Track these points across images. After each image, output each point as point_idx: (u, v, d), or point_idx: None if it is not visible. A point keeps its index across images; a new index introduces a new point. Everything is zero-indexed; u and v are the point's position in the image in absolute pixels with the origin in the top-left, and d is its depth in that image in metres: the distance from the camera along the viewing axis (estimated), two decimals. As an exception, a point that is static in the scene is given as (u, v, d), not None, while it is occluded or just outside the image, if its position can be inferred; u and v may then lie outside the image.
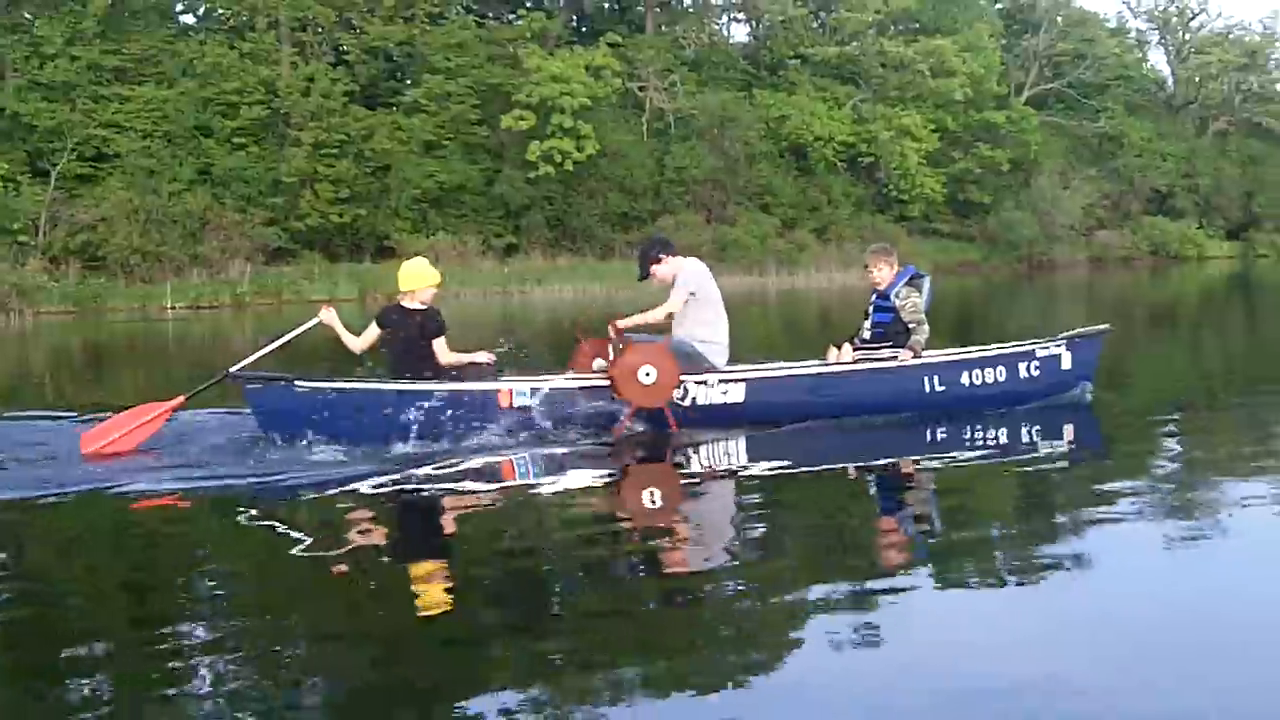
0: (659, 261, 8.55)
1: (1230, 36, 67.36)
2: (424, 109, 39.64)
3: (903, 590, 4.50)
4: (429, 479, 6.99)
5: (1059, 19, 62.03)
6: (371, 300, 32.98)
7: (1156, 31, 69.72)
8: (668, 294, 8.45)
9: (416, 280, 8.24)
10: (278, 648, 4.04)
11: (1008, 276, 45.33)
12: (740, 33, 56.77)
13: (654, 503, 6.61)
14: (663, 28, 49.34)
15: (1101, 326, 9.67)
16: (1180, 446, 7.84)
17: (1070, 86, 61.26)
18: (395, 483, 6.87)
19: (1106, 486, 6.30)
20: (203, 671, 3.74)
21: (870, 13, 50.78)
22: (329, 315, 8.37)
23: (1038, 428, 8.41)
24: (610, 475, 7.34)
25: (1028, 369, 9.20)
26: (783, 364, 8.96)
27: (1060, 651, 3.84)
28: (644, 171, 41.98)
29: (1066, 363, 9.30)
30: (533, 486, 6.94)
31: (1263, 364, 13.39)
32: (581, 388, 8.16)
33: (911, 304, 8.78)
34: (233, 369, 8.29)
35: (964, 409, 8.77)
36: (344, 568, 5.10)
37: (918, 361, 8.74)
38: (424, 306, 8.28)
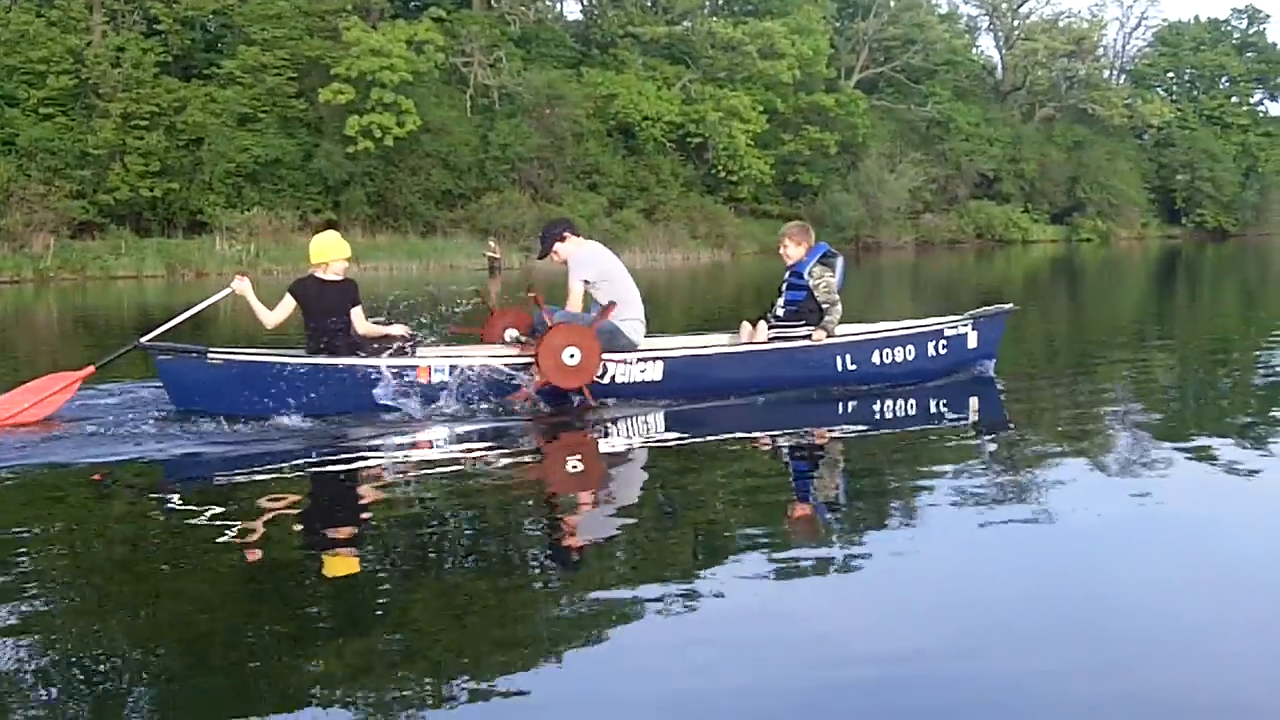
0: (562, 239, 8.82)
1: (1058, 24, 71.22)
2: (239, 81, 40.20)
3: (769, 567, 4.62)
4: (343, 454, 7.09)
5: (891, 3, 64.88)
6: (181, 277, 33.63)
7: (986, 17, 73.36)
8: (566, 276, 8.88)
9: (330, 252, 8.34)
10: (129, 626, 4.11)
11: None
12: (573, 10, 58.36)
13: (558, 479, 6.77)
14: (492, 3, 50.42)
15: (1006, 306, 10.12)
16: (1065, 424, 8.02)
17: (900, 71, 64.17)
18: (306, 457, 6.96)
19: (1003, 460, 6.77)
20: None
21: (701, -8, 52.76)
22: (242, 285, 8.42)
23: (945, 402, 8.82)
24: (524, 452, 7.45)
25: (935, 347, 9.60)
26: (699, 342, 9.42)
27: (905, 631, 3.93)
28: (468, 149, 43.12)
29: (973, 341, 9.76)
30: (447, 463, 6.99)
31: (1088, 339, 14.26)
32: (501, 365, 8.30)
33: (825, 283, 9.10)
34: (142, 339, 8.21)
35: (875, 385, 9.11)
36: (236, 542, 5.14)
37: (831, 341, 9.09)
38: (339, 278, 8.37)
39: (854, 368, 9.15)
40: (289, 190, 40.39)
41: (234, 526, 5.35)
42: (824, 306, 9.10)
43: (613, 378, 8.43)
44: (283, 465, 6.79)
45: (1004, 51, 72.82)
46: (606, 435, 7.86)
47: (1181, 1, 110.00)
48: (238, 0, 41.35)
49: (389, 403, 8.03)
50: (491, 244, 36.18)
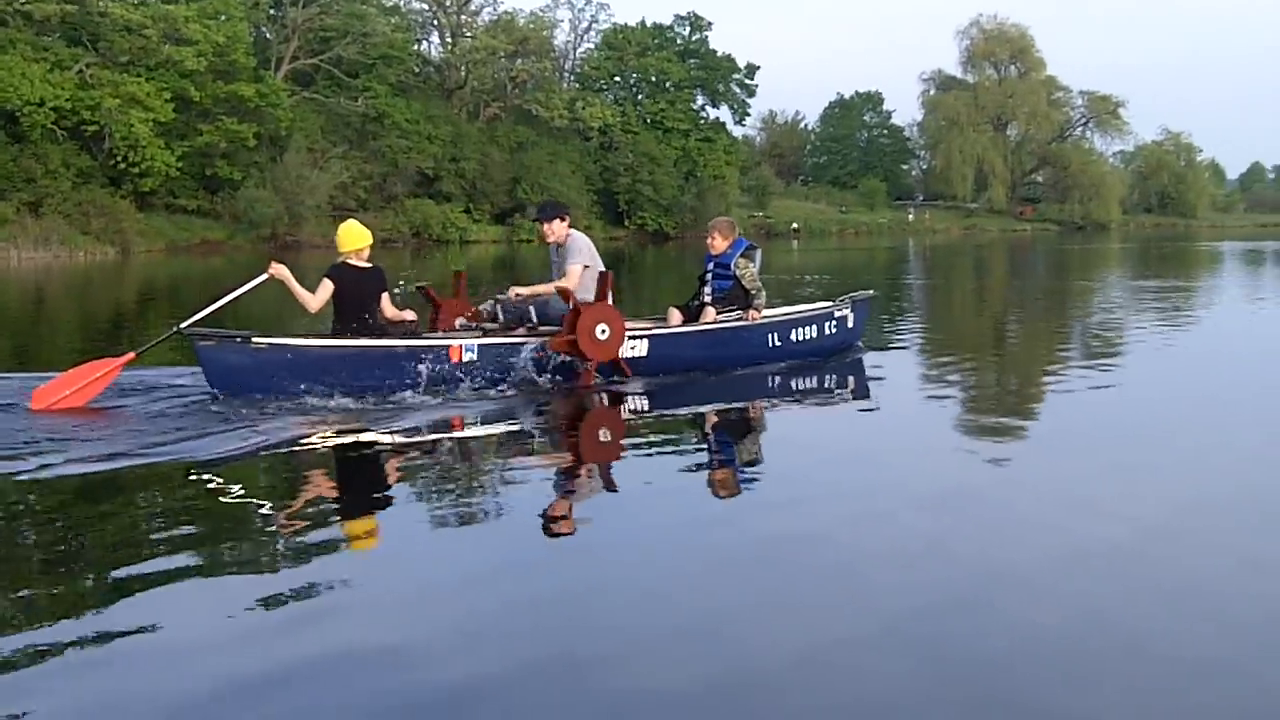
0: (563, 220, 10.53)
1: (506, 22, 76.03)
2: None
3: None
4: (382, 433, 7.89)
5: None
6: None
7: (431, 12, 77.09)
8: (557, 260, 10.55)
9: (360, 239, 9.48)
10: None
11: (251, 256, 47.75)
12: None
13: (572, 450, 7.86)
14: None
15: (870, 292, 12.68)
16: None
17: (336, 63, 66.41)
18: (346, 438, 7.73)
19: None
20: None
21: (98, -29, 52.51)
22: (280, 270, 9.20)
23: (833, 377, 10.92)
24: (550, 424, 8.73)
25: (831, 326, 11.75)
26: (674, 325, 10.91)
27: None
28: None
29: (851, 322, 12.04)
30: (480, 438, 8.09)
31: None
32: (518, 344, 9.69)
33: (750, 273, 11.06)
34: (182, 325, 8.86)
35: (789, 361, 11.15)
36: (275, 525, 5.71)
37: (764, 320, 11.11)
38: (369, 265, 9.51)
39: (779, 344, 11.20)
40: None
41: (266, 505, 6.13)
42: (752, 292, 11.04)
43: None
44: (321, 446, 7.54)
45: (449, 48, 76.83)
46: (602, 406, 9.31)
47: (629, 6, 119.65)
48: None
49: (426, 381, 9.10)
50: None
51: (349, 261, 9.44)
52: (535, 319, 10.23)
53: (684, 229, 79.61)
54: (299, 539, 5.42)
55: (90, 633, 4.23)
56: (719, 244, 11.23)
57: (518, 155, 72.38)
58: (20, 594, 4.67)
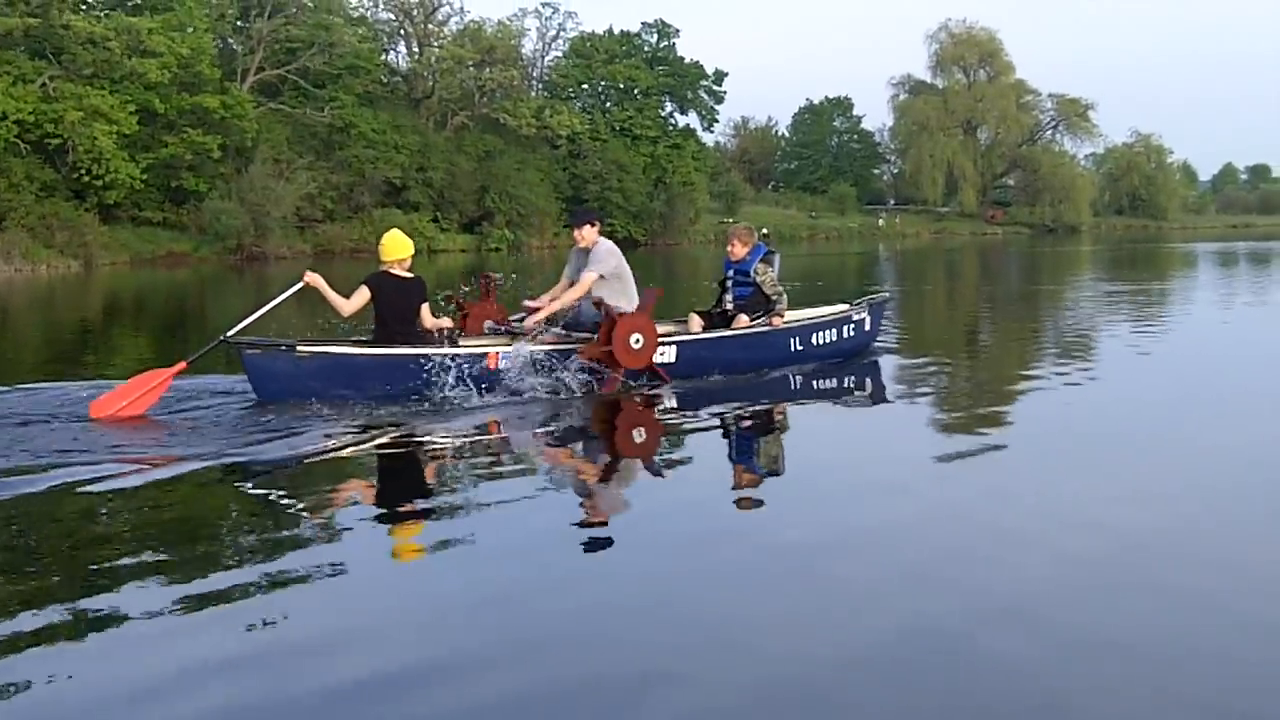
0: (594, 225, 10.70)
1: (473, 31, 76.16)
2: None
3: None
4: (422, 440, 8.18)
5: (308, 2, 66.83)
6: None
7: (398, 22, 77.23)
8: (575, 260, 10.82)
9: (404, 249, 9.82)
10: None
11: (217, 268, 48.00)
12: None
13: (603, 457, 8.17)
14: None
15: (885, 295, 13.06)
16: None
17: (302, 74, 66.46)
18: (390, 445, 8.03)
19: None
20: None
21: (62, -16, 52.59)
22: (315, 278, 9.54)
23: (851, 378, 11.24)
24: (582, 430, 8.99)
25: (849, 330, 12.03)
26: (695, 330, 11.25)
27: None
28: None
29: (868, 325, 12.35)
30: (514, 444, 8.43)
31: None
32: (554, 351, 9.96)
33: (770, 279, 11.25)
34: (228, 334, 9.25)
35: (811, 363, 11.44)
36: (318, 531, 5.91)
37: (786, 325, 11.38)
38: (410, 275, 9.82)
39: (801, 348, 11.49)
40: None
41: (309, 510, 6.35)
42: (773, 297, 11.29)
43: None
44: (366, 453, 7.86)
45: (416, 58, 76.98)
46: (637, 412, 9.60)
47: (597, 13, 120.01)
48: None
49: (466, 388, 9.38)
50: None
51: (391, 271, 9.78)
52: (565, 327, 10.66)
53: (654, 235, 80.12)
54: (338, 546, 5.67)
55: (137, 632, 4.48)
56: (738, 251, 11.47)
57: (485, 164, 72.31)
58: (67, 598, 4.87)
